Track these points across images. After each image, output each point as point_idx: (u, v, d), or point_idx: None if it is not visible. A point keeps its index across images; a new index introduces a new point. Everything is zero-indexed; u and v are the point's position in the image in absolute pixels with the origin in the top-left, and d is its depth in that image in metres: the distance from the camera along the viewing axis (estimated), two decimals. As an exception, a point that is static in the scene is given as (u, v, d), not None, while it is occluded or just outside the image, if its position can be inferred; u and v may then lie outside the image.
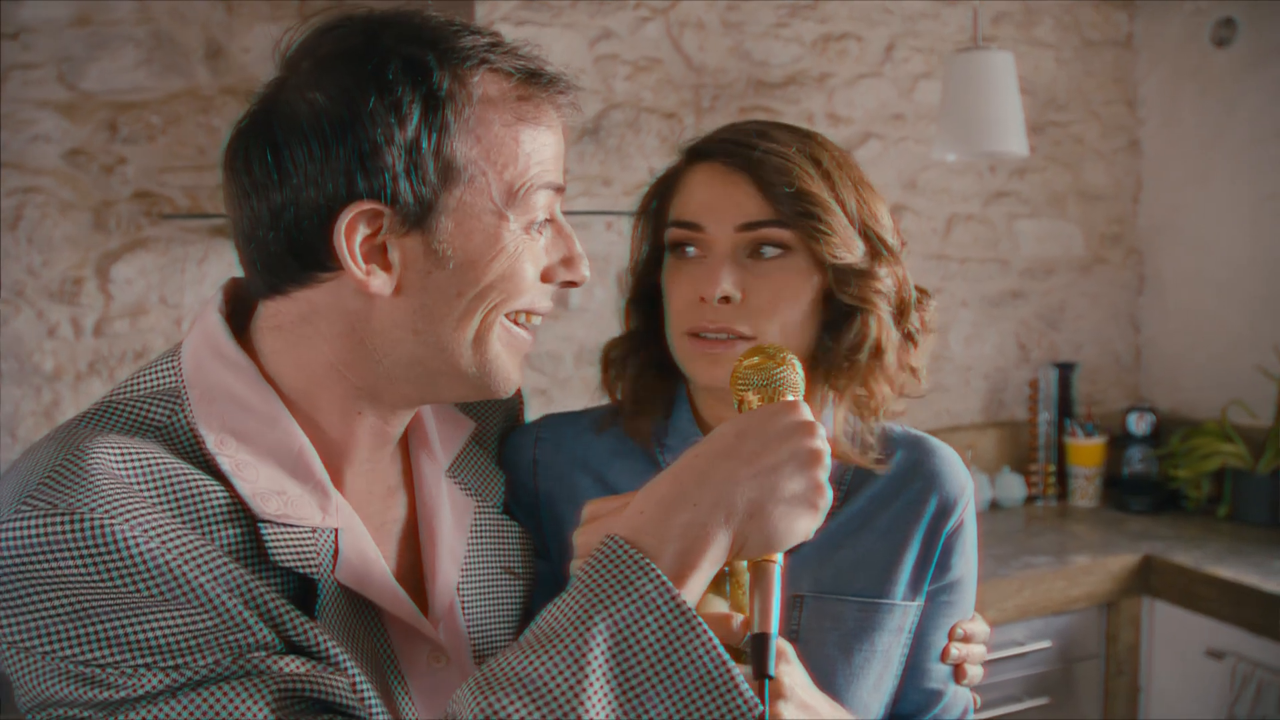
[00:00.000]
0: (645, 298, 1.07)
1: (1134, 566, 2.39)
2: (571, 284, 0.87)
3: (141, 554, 0.68)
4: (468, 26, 0.80)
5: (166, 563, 0.68)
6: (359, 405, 0.84)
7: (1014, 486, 2.84)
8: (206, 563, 0.70)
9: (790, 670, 0.82)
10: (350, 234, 0.76)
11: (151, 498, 0.72)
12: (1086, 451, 2.83)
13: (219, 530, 0.75)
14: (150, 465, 0.74)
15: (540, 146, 0.81)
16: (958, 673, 1.03)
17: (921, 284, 1.05)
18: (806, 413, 0.78)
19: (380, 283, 0.78)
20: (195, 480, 0.75)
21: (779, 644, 0.81)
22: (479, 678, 0.68)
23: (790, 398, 0.81)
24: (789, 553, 0.96)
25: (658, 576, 0.69)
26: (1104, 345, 3.12)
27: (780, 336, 0.96)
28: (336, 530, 0.82)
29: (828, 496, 0.76)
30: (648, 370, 1.06)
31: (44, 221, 2.04)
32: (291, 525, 0.78)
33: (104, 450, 0.72)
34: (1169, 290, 3.07)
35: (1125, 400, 3.12)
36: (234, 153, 0.81)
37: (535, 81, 0.81)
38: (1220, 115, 2.87)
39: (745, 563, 0.81)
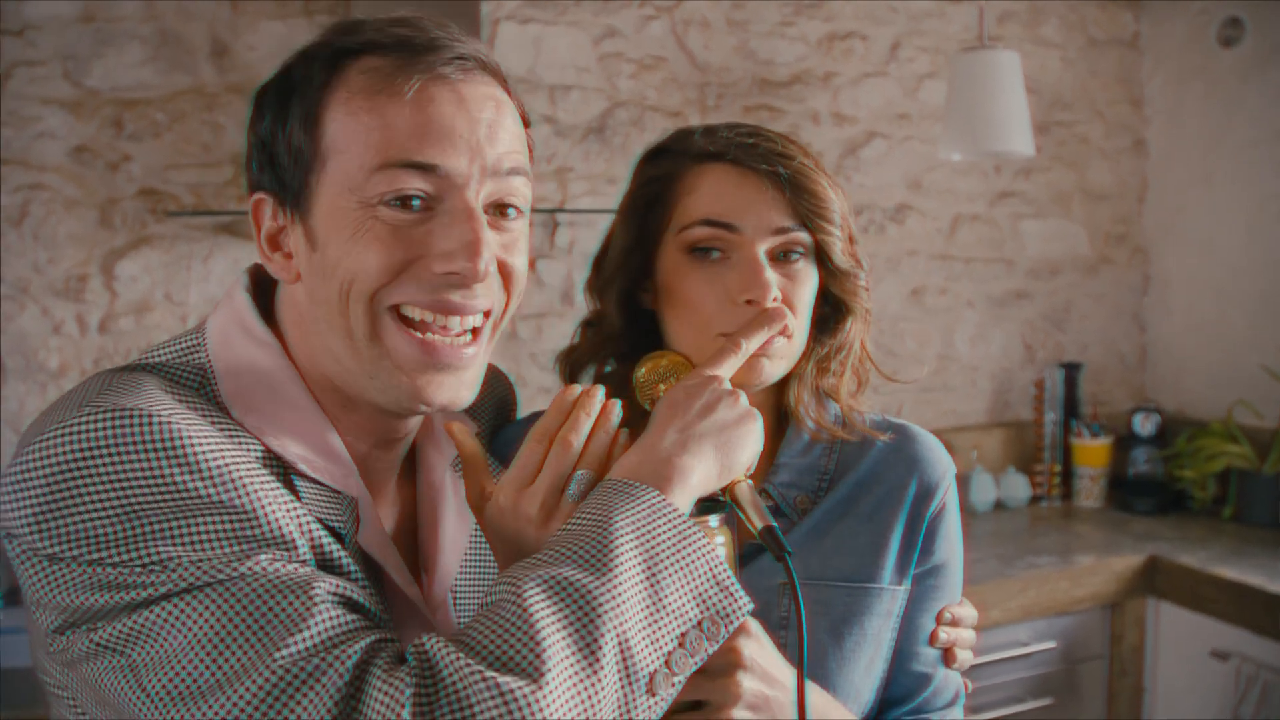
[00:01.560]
0: (630, 299, 1.05)
1: (1139, 567, 2.38)
2: (451, 274, 0.78)
3: (204, 455, 0.70)
4: (371, 21, 0.81)
5: (226, 465, 0.70)
6: (343, 397, 0.84)
7: (1019, 487, 2.83)
8: (259, 476, 0.72)
9: (750, 643, 0.84)
10: (259, 221, 0.83)
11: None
12: (1092, 452, 2.83)
13: (265, 471, 0.76)
14: (195, 406, 0.75)
15: (404, 122, 0.77)
16: (947, 656, 1.05)
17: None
18: (707, 370, 0.90)
19: (277, 266, 0.83)
20: (235, 430, 0.77)
21: (746, 620, 0.83)
22: (520, 567, 0.71)
23: None
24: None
25: (656, 492, 0.76)
26: (1109, 345, 3.12)
27: (799, 333, 1.00)
28: (357, 500, 0.82)
29: (756, 414, 0.87)
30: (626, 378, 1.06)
31: (49, 218, 2.05)
32: (321, 484, 0.80)
33: (152, 381, 0.75)
34: (1174, 290, 3.07)
35: (1131, 401, 3.12)
36: None
37: (406, 54, 0.78)
38: (1226, 115, 2.86)
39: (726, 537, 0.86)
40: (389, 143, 0.76)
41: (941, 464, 1.06)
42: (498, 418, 1.11)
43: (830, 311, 1.04)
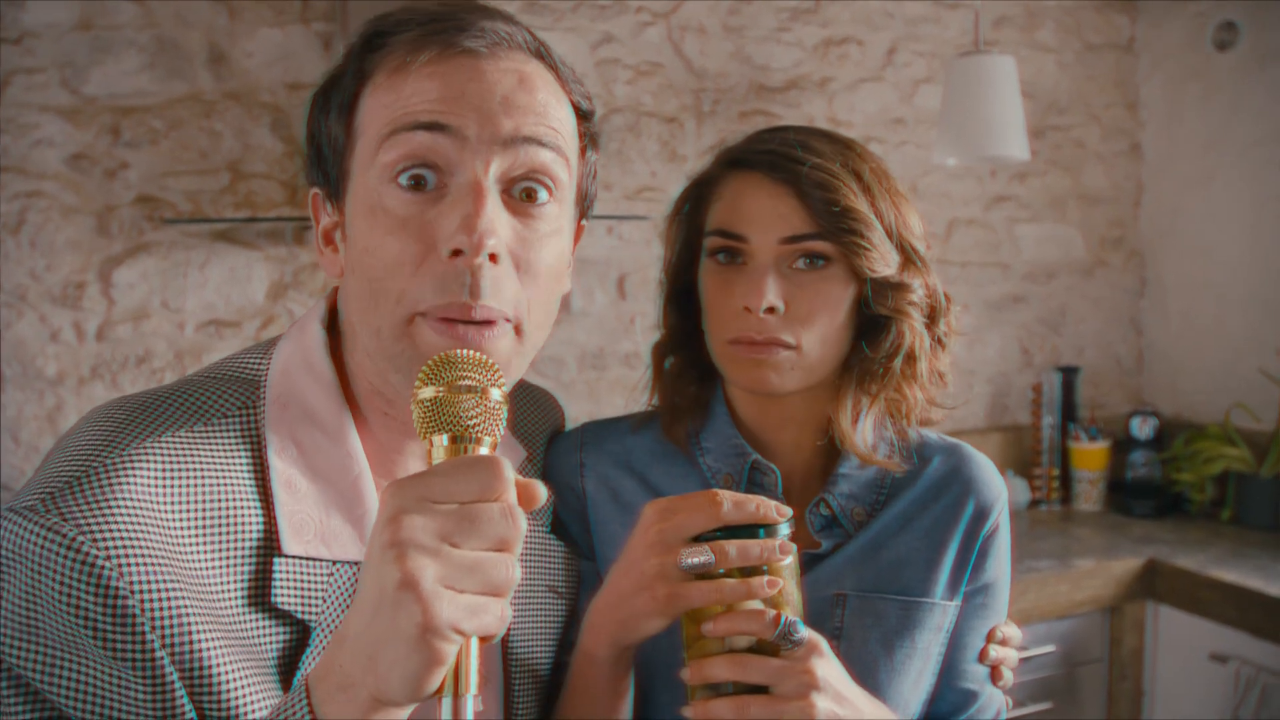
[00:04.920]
0: (681, 298, 1.08)
1: (1137, 570, 2.38)
2: (456, 252, 0.72)
3: (121, 608, 0.66)
4: (405, 6, 0.79)
5: (141, 623, 0.66)
6: (395, 411, 0.82)
7: (1017, 490, 2.83)
8: (180, 636, 0.67)
9: (823, 663, 0.83)
10: (317, 217, 0.84)
11: (180, 523, 0.70)
12: (1090, 455, 2.83)
13: (244, 562, 0.73)
14: (193, 486, 0.72)
15: (416, 90, 0.74)
16: (994, 674, 1.05)
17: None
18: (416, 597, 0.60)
19: (326, 261, 0.83)
20: (235, 508, 0.73)
21: (814, 637, 0.83)
22: None
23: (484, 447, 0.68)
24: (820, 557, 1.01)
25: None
26: (1106, 349, 3.12)
27: (819, 344, 0.98)
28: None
29: (440, 646, 0.59)
30: (684, 373, 1.09)
31: (46, 226, 2.05)
32: (312, 559, 0.75)
33: (148, 464, 0.70)
34: (1171, 294, 3.07)
35: (1128, 404, 3.12)
36: None
37: (430, 29, 0.76)
38: (1222, 118, 2.87)
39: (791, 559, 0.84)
40: (399, 110, 0.74)
41: (996, 485, 1.07)
42: (549, 433, 1.11)
43: (870, 324, 1.02)
